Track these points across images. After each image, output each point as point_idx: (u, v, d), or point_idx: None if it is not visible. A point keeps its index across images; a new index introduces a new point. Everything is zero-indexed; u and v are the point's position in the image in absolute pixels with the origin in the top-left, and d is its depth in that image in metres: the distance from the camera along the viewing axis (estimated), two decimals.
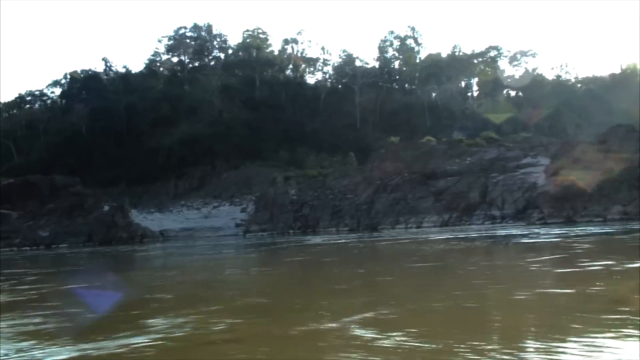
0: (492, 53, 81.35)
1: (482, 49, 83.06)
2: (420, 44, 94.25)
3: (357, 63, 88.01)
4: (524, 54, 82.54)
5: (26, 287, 14.81)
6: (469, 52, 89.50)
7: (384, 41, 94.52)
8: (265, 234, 41.94)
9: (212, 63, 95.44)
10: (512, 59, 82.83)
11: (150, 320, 7.86)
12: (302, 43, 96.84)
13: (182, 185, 71.36)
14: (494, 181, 35.15)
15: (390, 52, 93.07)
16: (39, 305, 10.53)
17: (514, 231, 26.14)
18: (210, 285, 13.42)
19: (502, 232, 26.07)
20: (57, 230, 48.07)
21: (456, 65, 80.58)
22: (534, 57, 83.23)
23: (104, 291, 12.43)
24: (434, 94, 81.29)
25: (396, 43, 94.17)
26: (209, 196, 61.71)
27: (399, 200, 35.56)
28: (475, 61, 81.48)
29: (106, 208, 49.07)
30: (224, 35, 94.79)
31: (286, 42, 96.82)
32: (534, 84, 78.87)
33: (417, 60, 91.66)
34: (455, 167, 35.17)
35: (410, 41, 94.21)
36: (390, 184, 37.05)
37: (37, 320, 8.68)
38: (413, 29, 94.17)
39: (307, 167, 58.57)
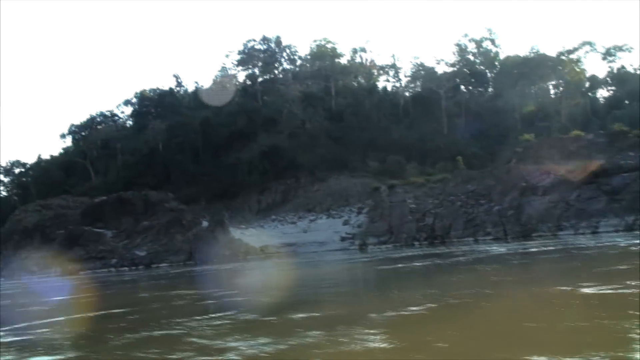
0: (584, 49, 76.11)
1: (570, 46, 77.94)
2: (498, 46, 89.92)
3: (440, 67, 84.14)
4: (618, 48, 76.92)
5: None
6: (547, 50, 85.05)
7: (459, 45, 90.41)
8: (390, 246, 37.97)
9: (281, 75, 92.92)
10: (607, 54, 77.25)
11: None
12: (371, 51, 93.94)
13: (264, 200, 68.25)
14: None
15: (469, 55, 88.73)
16: None
17: None
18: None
19: None
20: (155, 248, 45.24)
21: (547, 63, 75.53)
22: (629, 51, 77.58)
23: None
24: (522, 95, 76.37)
25: (471, 46, 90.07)
26: (300, 210, 58.22)
27: (557, 203, 31.12)
28: (565, 58, 76.23)
29: (205, 224, 45.99)
30: (294, 46, 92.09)
31: (355, 51, 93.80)
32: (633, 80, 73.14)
33: (497, 62, 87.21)
34: (631, 161, 30.47)
35: (487, 43, 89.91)
36: (541, 185, 32.67)
37: None
38: (490, 30, 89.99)
39: (408, 175, 54.61)
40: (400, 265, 22.31)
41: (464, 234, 35.78)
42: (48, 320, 12.98)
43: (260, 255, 44.82)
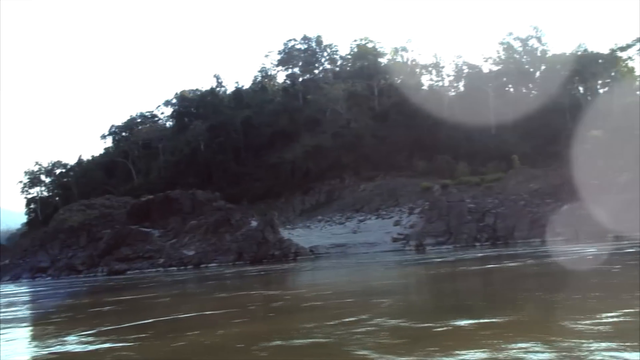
0: (637, 46, 73.14)
1: (623, 43, 75.01)
2: (544, 44, 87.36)
3: (485, 66, 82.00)
4: None
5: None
6: (595, 48, 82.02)
7: (504, 43, 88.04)
8: (449, 247, 36.36)
9: (321, 75, 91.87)
10: None
11: None
12: (412, 50, 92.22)
13: (308, 200, 67.07)
14: None
15: (514, 54, 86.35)
16: None
17: None
18: None
19: None
20: (203, 248, 44.33)
21: (598, 60, 72.82)
22: None
23: None
24: (572, 94, 73.81)
25: (516, 44, 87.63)
26: (348, 210, 56.80)
27: (633, 202, 29.12)
28: (618, 55, 73.43)
29: (254, 223, 44.91)
30: (334, 46, 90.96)
31: (396, 50, 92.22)
32: None
33: (544, 60, 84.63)
34: None
35: (533, 41, 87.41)
36: (617, 182, 30.78)
37: None
38: (536, 28, 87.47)
39: (458, 175, 52.93)
40: (496, 265, 20.79)
41: (529, 235, 33.99)
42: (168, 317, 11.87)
43: (310, 256, 43.57)
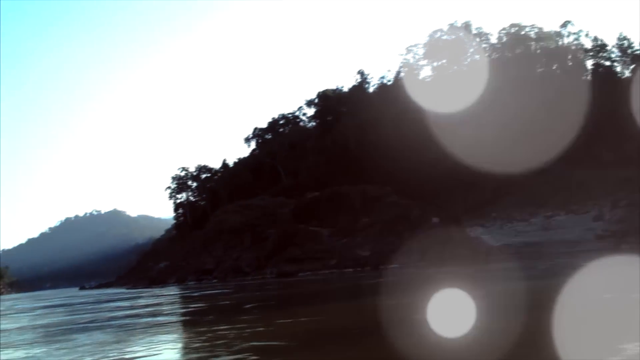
0: None
1: None
2: None
3: None
4: None
5: None
6: None
7: None
8: None
9: (467, 64, 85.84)
10: None
11: None
12: (568, 35, 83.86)
13: (472, 197, 61.71)
14: None
15: None
16: None
17: None
18: None
19: None
20: (380, 248, 40.59)
21: None
22: None
23: None
24: None
25: None
26: (526, 206, 50.95)
27: None
28: None
29: (435, 220, 40.59)
30: (486, 34, 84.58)
31: (557, 34, 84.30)
32: None
33: None
34: None
35: None
36: None
37: None
38: None
39: None
40: None
41: None
42: None
43: (500, 257, 38.39)
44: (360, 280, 28.56)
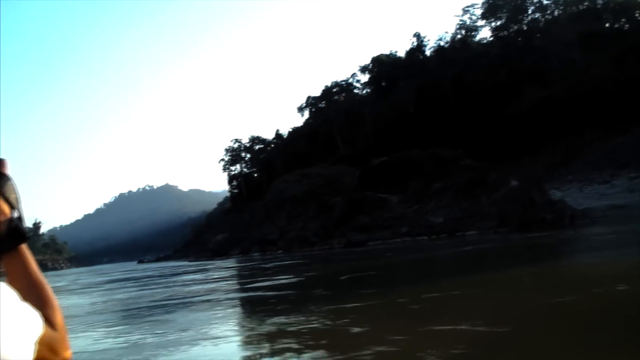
0: None
1: None
2: None
3: None
4: None
5: None
6: None
7: None
8: None
9: (530, 25, 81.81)
10: None
11: None
12: None
13: (541, 160, 58.82)
14: None
15: None
16: None
17: None
18: None
19: None
20: (454, 213, 38.81)
21: None
22: None
23: None
24: None
25: None
26: (606, 167, 48.04)
27: None
28: None
29: (514, 183, 38.41)
30: None
31: None
32: None
33: None
34: None
35: None
36: None
37: None
38: None
39: None
40: None
41: None
42: None
43: (585, 221, 36.04)
44: (458, 248, 27.02)
